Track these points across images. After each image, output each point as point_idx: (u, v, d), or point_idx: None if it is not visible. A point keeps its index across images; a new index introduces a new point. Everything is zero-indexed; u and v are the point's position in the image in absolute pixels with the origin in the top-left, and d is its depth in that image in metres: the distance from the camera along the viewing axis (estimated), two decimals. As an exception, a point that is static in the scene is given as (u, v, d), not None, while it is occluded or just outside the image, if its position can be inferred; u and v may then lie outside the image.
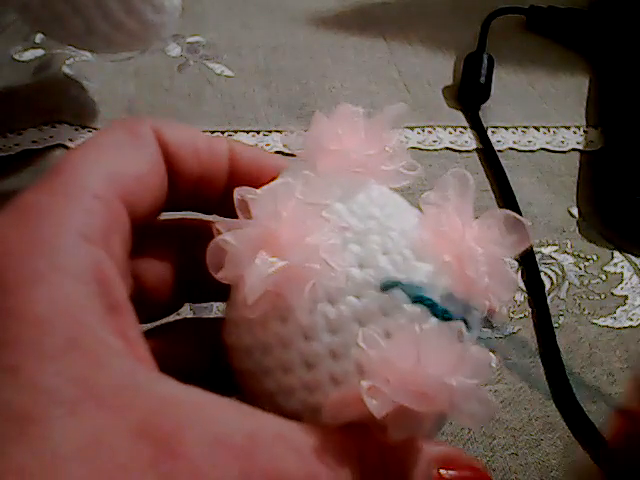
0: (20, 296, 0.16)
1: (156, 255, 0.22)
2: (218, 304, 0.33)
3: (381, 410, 0.17)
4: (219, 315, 0.32)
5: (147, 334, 0.20)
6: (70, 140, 0.40)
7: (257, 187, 0.21)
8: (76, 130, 0.41)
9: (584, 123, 0.47)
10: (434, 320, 0.19)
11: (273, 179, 0.22)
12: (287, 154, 0.38)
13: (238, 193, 0.20)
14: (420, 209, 0.22)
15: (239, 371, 0.21)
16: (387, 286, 0.19)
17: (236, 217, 0.24)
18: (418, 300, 0.19)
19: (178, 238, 0.24)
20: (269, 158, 0.24)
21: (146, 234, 0.21)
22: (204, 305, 0.33)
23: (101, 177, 0.19)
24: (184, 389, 0.16)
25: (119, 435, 0.14)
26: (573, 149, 0.45)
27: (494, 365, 0.18)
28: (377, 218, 0.21)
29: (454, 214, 0.21)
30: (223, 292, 0.21)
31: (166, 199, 0.22)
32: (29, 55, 0.47)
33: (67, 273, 0.17)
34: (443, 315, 0.19)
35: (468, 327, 0.20)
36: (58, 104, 0.43)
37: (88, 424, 0.14)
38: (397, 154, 0.22)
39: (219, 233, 0.19)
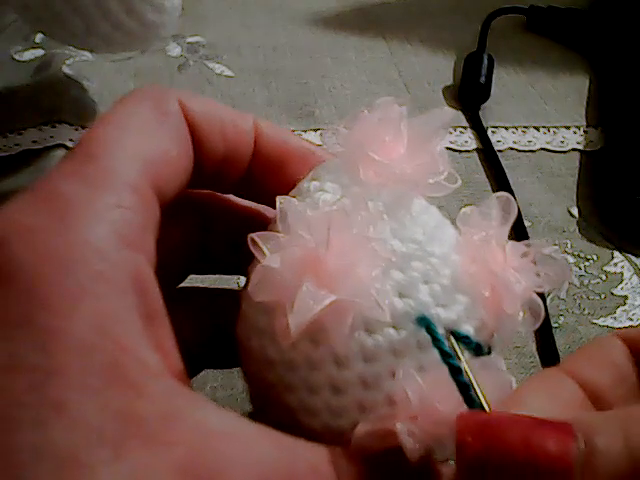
0: (63, 315, 0.15)
1: (167, 230, 0.21)
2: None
3: (416, 452, 0.17)
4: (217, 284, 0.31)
5: None
6: (70, 140, 0.40)
7: (281, 171, 0.20)
8: (76, 130, 0.41)
9: (584, 123, 0.47)
10: (467, 355, 0.19)
11: (298, 163, 0.21)
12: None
13: (281, 203, 0.19)
14: (449, 217, 0.21)
15: (255, 376, 0.20)
16: (424, 321, 0.19)
17: (256, 201, 0.23)
18: (453, 335, 0.19)
19: (190, 213, 0.23)
20: (294, 140, 0.22)
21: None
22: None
23: (134, 164, 0.18)
24: (221, 417, 0.16)
25: (164, 474, 0.14)
26: (573, 149, 0.45)
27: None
28: (419, 242, 0.20)
29: (495, 243, 0.20)
30: (231, 267, 0.20)
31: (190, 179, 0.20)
32: (29, 55, 0.47)
33: (107, 283, 0.16)
34: (476, 349, 0.19)
35: (491, 350, 0.20)
36: (58, 104, 0.43)
37: (133, 465, 0.14)
38: (440, 164, 0.21)
39: (255, 245, 0.18)
